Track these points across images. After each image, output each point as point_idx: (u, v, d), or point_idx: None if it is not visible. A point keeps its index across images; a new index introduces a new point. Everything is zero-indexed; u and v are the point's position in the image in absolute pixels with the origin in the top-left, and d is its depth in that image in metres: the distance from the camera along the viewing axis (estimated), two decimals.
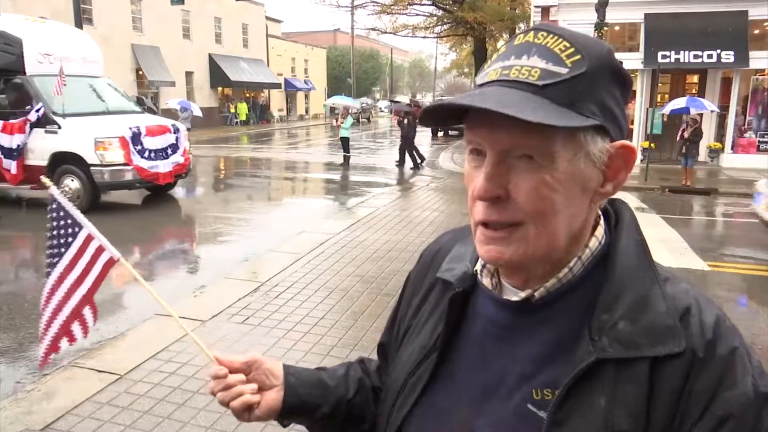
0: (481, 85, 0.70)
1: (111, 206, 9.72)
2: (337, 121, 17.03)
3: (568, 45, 0.66)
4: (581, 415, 0.66)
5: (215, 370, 0.89)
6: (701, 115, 13.58)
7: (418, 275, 0.95)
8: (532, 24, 18.83)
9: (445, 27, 30.66)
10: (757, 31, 15.26)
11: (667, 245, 7.31)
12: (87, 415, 3.23)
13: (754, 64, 14.81)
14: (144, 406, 3.34)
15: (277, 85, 39.28)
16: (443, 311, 0.82)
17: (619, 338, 0.67)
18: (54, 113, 8.97)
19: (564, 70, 0.65)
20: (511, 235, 0.69)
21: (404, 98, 21.83)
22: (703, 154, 15.02)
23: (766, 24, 15.33)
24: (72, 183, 8.99)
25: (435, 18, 29.81)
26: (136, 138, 9.11)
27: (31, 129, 9.03)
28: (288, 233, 7.69)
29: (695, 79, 16.95)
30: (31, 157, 9.15)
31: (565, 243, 0.71)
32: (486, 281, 0.80)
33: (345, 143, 16.67)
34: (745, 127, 15.94)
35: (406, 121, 15.46)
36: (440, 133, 28.19)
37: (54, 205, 1.16)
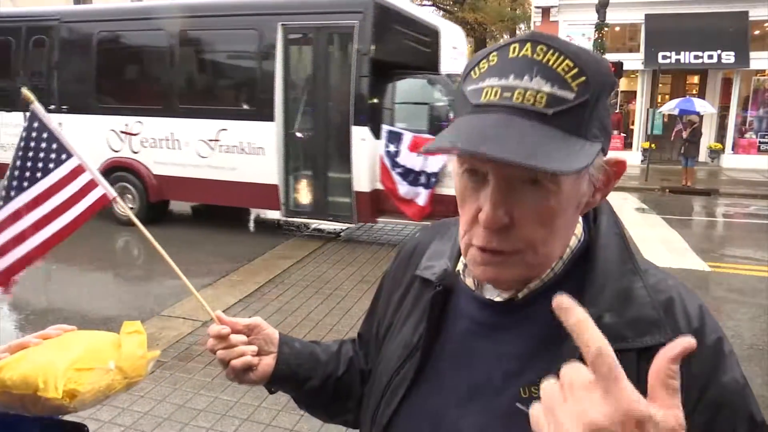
0: (478, 105, 0.65)
1: None
2: None
3: (571, 65, 0.63)
4: None
5: (218, 329, 0.92)
6: (701, 115, 13.58)
7: (397, 271, 0.95)
8: (533, 25, 18.72)
9: None
10: (757, 32, 15.26)
11: (667, 246, 7.31)
12: (87, 416, 3.21)
13: (754, 65, 14.82)
14: (144, 407, 3.34)
15: None
16: (424, 310, 0.81)
17: (605, 331, 0.64)
18: None
19: (570, 95, 0.62)
20: (509, 259, 0.69)
21: None
22: (703, 155, 15.02)
23: (766, 24, 15.32)
24: None
25: None
26: None
27: None
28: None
29: (696, 79, 16.97)
30: (449, 185, 6.29)
31: (557, 256, 0.72)
32: (468, 281, 0.79)
33: None
34: (746, 127, 15.95)
35: None
36: None
37: (35, 124, 1.01)
